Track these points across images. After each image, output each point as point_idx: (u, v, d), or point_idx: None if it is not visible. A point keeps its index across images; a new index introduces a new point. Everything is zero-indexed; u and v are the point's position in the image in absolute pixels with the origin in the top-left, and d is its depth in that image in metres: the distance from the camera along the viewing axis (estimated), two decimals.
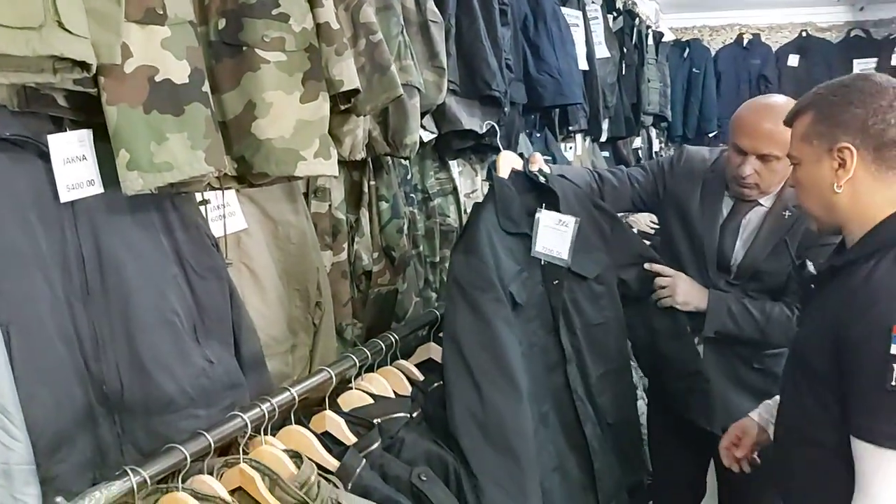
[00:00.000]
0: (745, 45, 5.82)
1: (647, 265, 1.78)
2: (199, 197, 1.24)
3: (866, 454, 1.13)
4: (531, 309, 1.59)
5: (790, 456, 1.33)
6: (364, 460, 1.18)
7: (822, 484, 1.26)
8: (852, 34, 5.58)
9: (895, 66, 5.25)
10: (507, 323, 1.46)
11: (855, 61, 5.40)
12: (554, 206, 1.63)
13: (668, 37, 5.13)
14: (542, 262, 1.62)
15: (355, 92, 1.28)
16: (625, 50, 3.86)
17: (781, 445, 1.37)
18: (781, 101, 1.73)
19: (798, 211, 1.74)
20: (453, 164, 2.13)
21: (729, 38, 5.96)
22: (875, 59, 5.34)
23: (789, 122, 1.32)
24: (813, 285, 1.39)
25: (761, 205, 1.82)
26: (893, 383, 1.10)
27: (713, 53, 5.85)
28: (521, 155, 1.85)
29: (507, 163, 1.69)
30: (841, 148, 1.21)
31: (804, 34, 5.71)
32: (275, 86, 1.16)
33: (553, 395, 1.59)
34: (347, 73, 1.24)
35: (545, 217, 1.61)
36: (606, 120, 3.53)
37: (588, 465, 1.60)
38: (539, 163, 1.73)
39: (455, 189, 2.09)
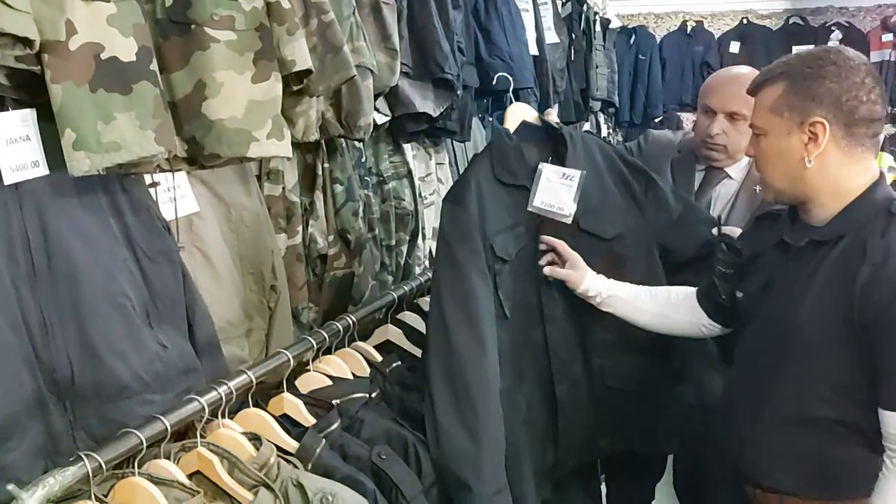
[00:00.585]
0: (688, 32, 5.94)
1: (714, 231, 1.61)
2: (148, 179, 1.22)
3: None
4: (521, 264, 1.54)
5: (762, 434, 1.31)
6: (324, 441, 1.18)
7: (803, 461, 1.26)
8: (791, 21, 5.75)
9: None
10: (481, 275, 1.45)
11: (794, 48, 5.57)
12: (562, 160, 1.55)
13: (615, 23, 5.20)
14: (541, 219, 1.54)
15: (308, 72, 1.27)
16: (573, 36, 3.90)
17: (744, 422, 1.34)
18: (747, 70, 1.83)
19: None
20: (407, 147, 2.12)
21: (673, 25, 6.07)
22: (812, 46, 5.52)
23: (754, 91, 1.31)
24: (737, 257, 1.40)
25: (731, 178, 1.88)
26: None
27: (658, 40, 5.96)
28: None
29: (517, 115, 1.63)
30: (814, 122, 1.21)
31: (745, 21, 5.86)
32: (225, 65, 1.13)
33: (532, 351, 1.57)
34: (300, 53, 1.23)
35: (547, 170, 1.52)
36: (556, 105, 3.57)
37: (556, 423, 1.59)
38: (553, 117, 1.71)
39: (410, 172, 2.09)
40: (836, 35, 5.47)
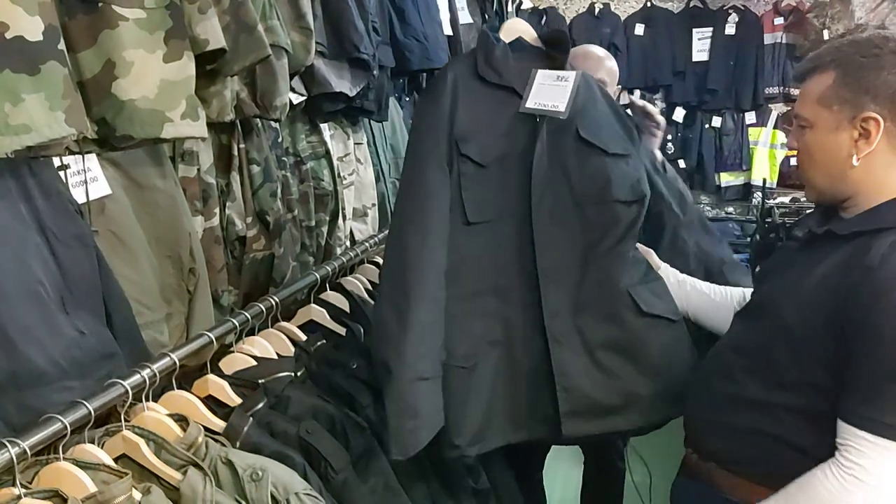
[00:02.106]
0: (596, 14, 6.10)
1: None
2: (57, 162, 1.18)
3: (866, 445, 1.05)
4: (505, 171, 1.44)
5: (718, 404, 1.28)
6: (251, 419, 1.19)
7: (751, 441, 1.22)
8: (691, 5, 5.99)
9: (728, 34, 5.72)
10: (440, 169, 1.41)
11: (694, 30, 5.83)
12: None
13: (527, 4, 5.30)
14: (536, 125, 1.42)
15: (221, 52, 1.26)
16: (486, 17, 3.95)
17: (709, 385, 1.32)
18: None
19: None
20: (325, 127, 2.12)
21: (582, 7, 6.21)
22: (711, 29, 5.79)
23: (802, 77, 1.21)
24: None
25: None
26: None
27: (568, 22, 6.10)
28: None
29: (514, 29, 1.53)
30: (866, 117, 1.12)
31: (649, 4, 6.07)
32: (135, 44, 1.11)
33: (520, 269, 1.45)
34: (212, 32, 1.21)
35: (541, 74, 1.43)
36: None
37: (547, 362, 1.43)
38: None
39: (328, 152, 2.08)
40: (733, 18, 5.74)
